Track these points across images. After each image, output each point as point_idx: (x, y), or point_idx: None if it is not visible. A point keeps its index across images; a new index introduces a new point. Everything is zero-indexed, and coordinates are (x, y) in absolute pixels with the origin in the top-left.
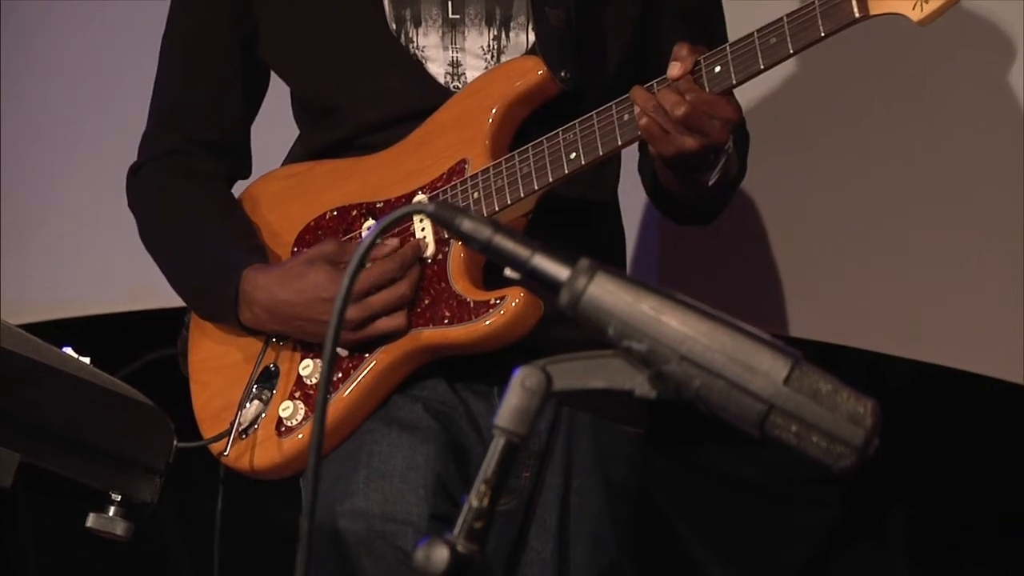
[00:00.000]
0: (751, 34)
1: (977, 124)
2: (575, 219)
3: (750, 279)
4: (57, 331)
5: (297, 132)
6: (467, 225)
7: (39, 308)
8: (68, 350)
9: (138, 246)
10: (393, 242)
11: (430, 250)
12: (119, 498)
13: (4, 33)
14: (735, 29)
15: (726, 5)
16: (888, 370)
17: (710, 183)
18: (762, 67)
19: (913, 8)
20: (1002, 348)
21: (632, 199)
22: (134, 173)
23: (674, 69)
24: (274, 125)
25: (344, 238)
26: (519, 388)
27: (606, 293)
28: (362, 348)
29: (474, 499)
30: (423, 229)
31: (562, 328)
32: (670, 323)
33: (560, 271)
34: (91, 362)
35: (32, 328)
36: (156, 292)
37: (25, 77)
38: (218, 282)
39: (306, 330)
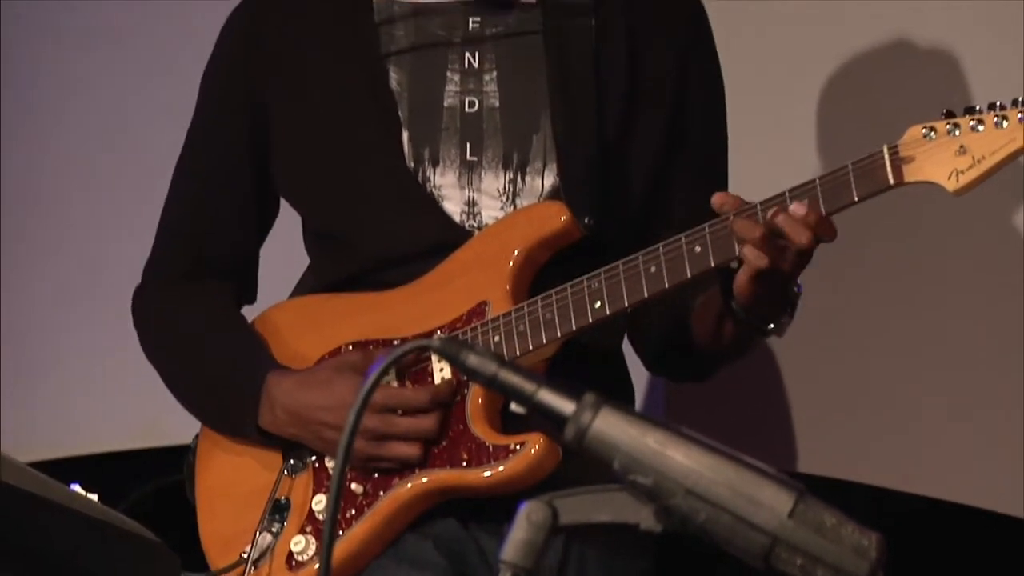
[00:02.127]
0: (782, 193)
1: (979, 269)
2: (583, 365)
3: (754, 414)
4: (65, 469)
5: (304, 263)
6: (473, 360)
7: (46, 446)
8: (76, 487)
9: (147, 384)
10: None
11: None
12: None
13: (4, 176)
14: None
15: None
16: (893, 505)
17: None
18: None
19: (948, 178)
20: (1004, 483)
21: None
22: (140, 293)
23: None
24: (281, 254)
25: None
26: (525, 522)
27: (611, 427)
28: (374, 469)
29: None
30: (442, 370)
31: (569, 465)
32: (675, 457)
33: (566, 405)
34: (99, 499)
35: (39, 466)
36: (163, 430)
37: (28, 210)
38: (241, 382)
39: (324, 436)
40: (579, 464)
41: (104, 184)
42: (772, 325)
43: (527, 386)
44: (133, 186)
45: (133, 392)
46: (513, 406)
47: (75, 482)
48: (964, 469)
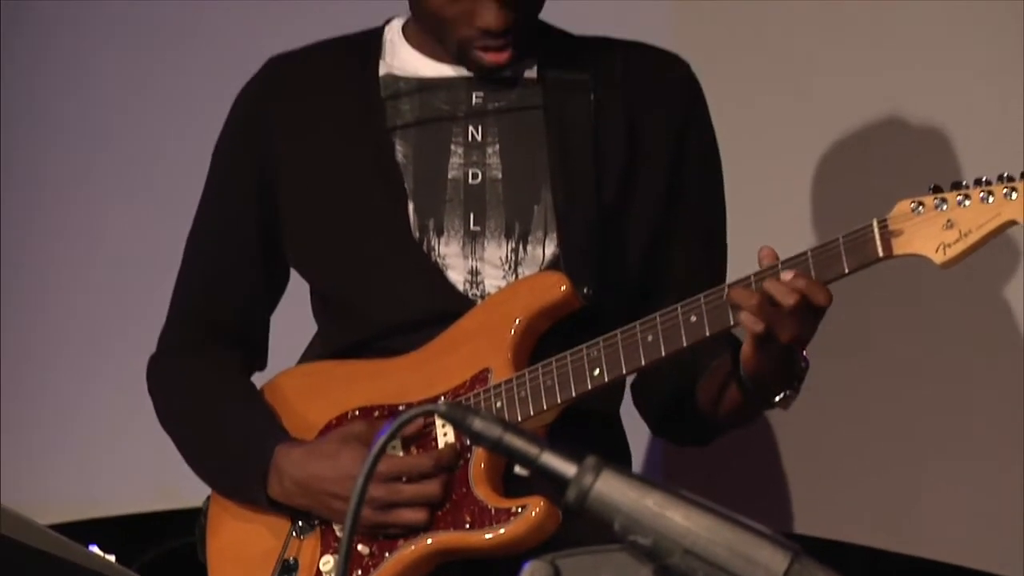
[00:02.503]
0: (775, 264)
1: (975, 332)
2: (582, 429)
3: (750, 476)
4: (83, 530)
5: (312, 329)
6: (478, 424)
7: (65, 509)
8: (93, 548)
9: (161, 448)
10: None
11: None
12: None
13: (4, 268)
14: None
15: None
16: (887, 566)
17: (782, 399)
18: None
19: (936, 251)
20: (1003, 544)
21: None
22: (155, 361)
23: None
24: (290, 320)
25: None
26: None
27: (612, 489)
28: (381, 534)
29: None
30: (445, 435)
31: (571, 526)
32: (674, 518)
33: (568, 468)
34: (116, 560)
35: (58, 528)
36: (177, 493)
37: (46, 276)
38: (250, 453)
39: (332, 506)
40: (580, 525)
41: (126, 246)
42: (778, 397)
43: (531, 449)
44: (157, 241)
45: (148, 456)
46: (517, 468)
47: (92, 543)
48: (960, 530)
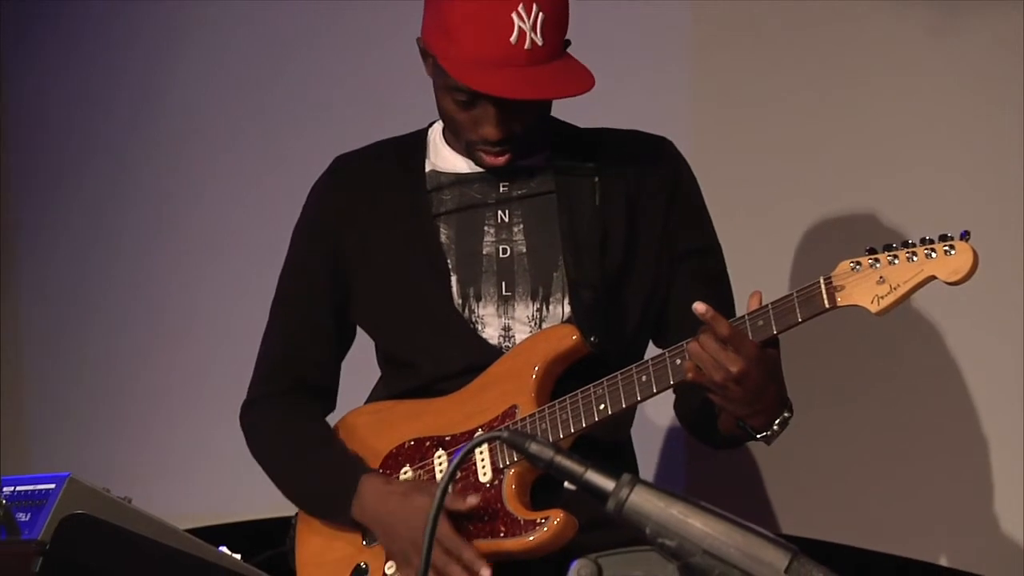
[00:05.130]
0: (742, 317)
1: (969, 336)
2: (595, 455)
3: (757, 487)
4: (214, 533)
5: (376, 375)
6: (534, 448)
7: (200, 516)
8: (223, 549)
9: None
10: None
11: (488, 476)
12: None
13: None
14: None
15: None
16: (875, 567)
17: (762, 437)
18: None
19: (871, 302)
20: (1003, 548)
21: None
22: (248, 407)
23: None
24: (359, 368)
25: (419, 464)
26: None
27: (644, 501)
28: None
29: None
30: (483, 460)
31: (591, 535)
32: (695, 524)
33: (607, 483)
34: (241, 558)
35: (196, 532)
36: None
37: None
38: (340, 482)
39: (394, 535)
40: (594, 536)
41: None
42: (759, 435)
43: (577, 468)
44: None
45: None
46: (566, 484)
47: (222, 545)
48: (962, 534)
